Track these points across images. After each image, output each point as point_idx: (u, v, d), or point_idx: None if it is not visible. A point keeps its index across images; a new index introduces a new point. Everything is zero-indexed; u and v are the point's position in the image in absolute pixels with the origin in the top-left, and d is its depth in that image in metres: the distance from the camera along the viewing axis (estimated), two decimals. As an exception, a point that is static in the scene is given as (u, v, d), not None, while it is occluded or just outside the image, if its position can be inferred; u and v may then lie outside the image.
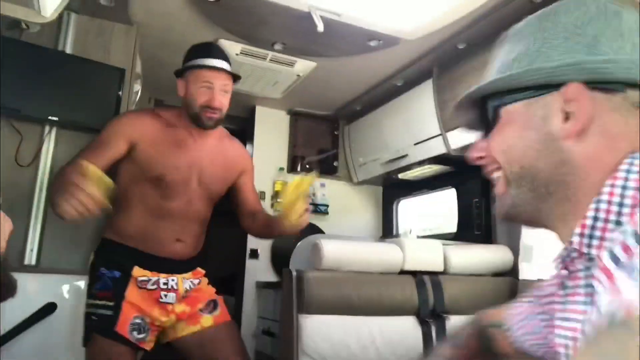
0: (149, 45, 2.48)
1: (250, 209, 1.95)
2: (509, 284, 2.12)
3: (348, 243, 1.96)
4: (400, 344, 1.85)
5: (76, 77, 1.96)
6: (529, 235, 2.10)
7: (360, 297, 1.85)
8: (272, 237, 2.04)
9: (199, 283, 1.83)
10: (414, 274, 1.99)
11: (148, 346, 1.66)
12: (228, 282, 3.11)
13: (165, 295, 1.71)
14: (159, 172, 1.68)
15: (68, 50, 2.03)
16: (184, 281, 1.78)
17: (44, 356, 1.71)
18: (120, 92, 2.04)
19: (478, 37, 2.27)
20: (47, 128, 1.91)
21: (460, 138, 2.44)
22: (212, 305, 1.83)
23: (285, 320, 1.81)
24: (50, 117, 1.89)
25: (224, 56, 1.77)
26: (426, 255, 2.04)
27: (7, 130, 1.84)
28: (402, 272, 1.98)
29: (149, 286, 1.68)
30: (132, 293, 1.64)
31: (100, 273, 1.65)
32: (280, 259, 3.08)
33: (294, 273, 1.82)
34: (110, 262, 1.66)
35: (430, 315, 1.93)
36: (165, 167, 1.69)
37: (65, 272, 1.81)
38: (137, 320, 1.63)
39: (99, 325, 1.59)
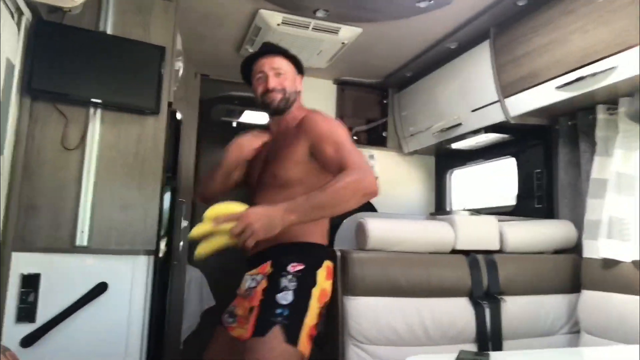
0: (190, 19, 2.44)
1: (335, 173, 1.59)
2: (571, 262, 1.97)
3: (395, 222, 1.87)
4: (451, 326, 1.77)
5: (117, 57, 1.94)
6: (595, 210, 1.92)
7: (409, 278, 1.78)
8: None
9: (261, 280, 1.64)
10: (467, 253, 1.88)
11: (235, 332, 1.66)
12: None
13: (245, 290, 1.70)
14: (251, 183, 1.83)
15: (109, 30, 2.01)
16: (247, 278, 1.70)
17: (98, 335, 1.77)
18: (161, 71, 2.01)
19: (540, -8, 2.05)
20: (91, 110, 1.92)
21: (521, 104, 2.25)
22: (247, 318, 1.63)
23: (330, 302, 1.76)
24: (93, 100, 1.89)
25: (269, 45, 1.83)
26: (480, 233, 1.92)
27: (53, 114, 1.86)
28: (454, 252, 1.88)
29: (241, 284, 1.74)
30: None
31: None
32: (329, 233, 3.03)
33: (338, 253, 1.76)
34: None
35: (484, 297, 1.83)
36: (250, 177, 1.83)
37: (116, 253, 1.85)
38: (230, 308, 1.73)
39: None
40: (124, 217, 1.88)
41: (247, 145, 1.81)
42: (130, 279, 1.83)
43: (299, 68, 1.82)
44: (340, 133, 1.68)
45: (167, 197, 2.13)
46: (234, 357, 1.65)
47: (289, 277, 1.57)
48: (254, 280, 1.67)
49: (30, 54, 1.79)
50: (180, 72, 2.41)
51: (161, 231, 1.98)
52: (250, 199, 1.84)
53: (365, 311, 1.70)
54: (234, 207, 1.44)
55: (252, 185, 1.82)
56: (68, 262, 1.78)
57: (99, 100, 1.90)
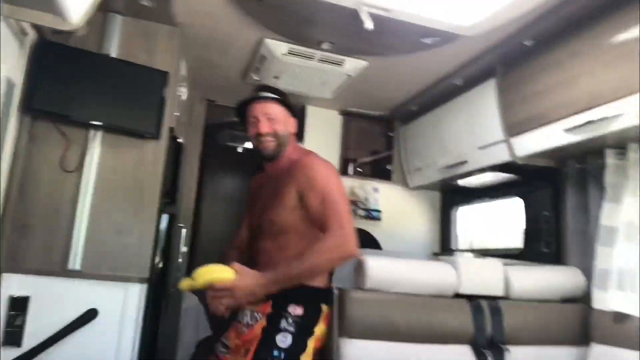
0: (195, 46, 2.43)
1: (318, 228, 1.65)
2: (580, 312, 1.88)
3: (395, 261, 1.80)
4: (451, 376, 1.68)
5: (120, 80, 1.93)
6: (605, 258, 1.85)
7: (409, 322, 1.70)
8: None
9: (258, 319, 1.64)
10: (470, 298, 1.80)
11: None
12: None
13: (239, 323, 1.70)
14: (249, 227, 1.88)
15: (113, 53, 2.00)
16: (247, 312, 1.67)
17: (88, 362, 1.70)
18: (164, 96, 1.99)
19: (547, 32, 2.02)
20: (91, 132, 1.89)
21: (527, 145, 2.21)
22: (244, 352, 1.62)
23: (325, 344, 1.68)
24: (94, 122, 1.86)
25: (269, 89, 1.86)
26: (484, 277, 1.85)
27: (53, 135, 1.84)
28: (457, 296, 1.80)
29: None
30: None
31: None
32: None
33: (336, 292, 1.69)
34: None
35: (488, 346, 1.74)
36: (250, 221, 1.87)
37: (109, 279, 1.79)
38: (223, 339, 1.73)
39: None
40: (118, 242, 1.83)
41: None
42: (121, 307, 1.77)
43: (292, 111, 1.85)
44: (329, 182, 1.68)
45: (165, 222, 2.09)
46: None
47: (289, 320, 1.61)
48: (253, 317, 1.65)
49: (33, 74, 1.77)
50: (183, 97, 2.39)
51: (156, 258, 1.93)
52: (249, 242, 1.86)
53: (362, 355, 1.62)
54: (225, 274, 1.52)
55: (251, 228, 1.86)
56: (59, 286, 1.74)
57: (99, 123, 1.88)
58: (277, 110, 1.78)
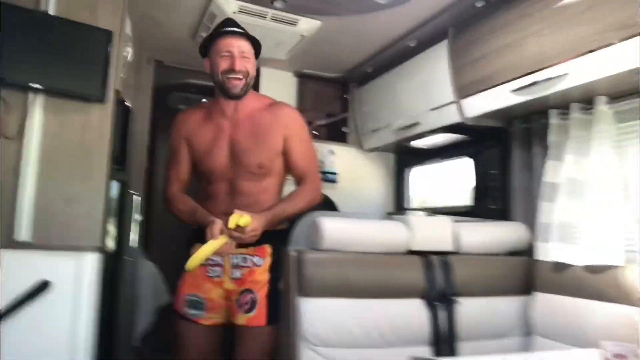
0: (141, 3, 2.31)
1: (296, 175, 1.88)
2: (524, 264, 2.00)
3: (350, 221, 1.84)
4: (406, 328, 1.76)
5: (60, 40, 1.80)
6: (547, 213, 1.95)
7: (364, 279, 1.76)
8: None
9: (254, 262, 1.76)
10: (422, 254, 1.87)
11: (206, 322, 1.76)
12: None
13: (212, 270, 1.77)
14: (208, 166, 1.81)
15: (51, 11, 1.86)
16: (234, 257, 1.76)
17: (40, 338, 1.64)
18: (108, 56, 1.89)
19: (499, -7, 2.05)
20: (31, 96, 1.78)
21: (476, 106, 2.27)
22: (250, 304, 1.73)
23: (284, 304, 1.72)
24: (33, 85, 1.75)
25: (238, 26, 1.83)
26: (435, 234, 1.92)
27: (-12, 100, 1.71)
28: (410, 253, 1.87)
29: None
30: (190, 273, 1.74)
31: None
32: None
33: (294, 253, 1.72)
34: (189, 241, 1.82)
35: (439, 298, 1.82)
36: (211, 159, 1.80)
37: (60, 249, 1.72)
38: (192, 298, 1.77)
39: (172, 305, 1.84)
40: (68, 211, 1.74)
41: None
42: (74, 277, 1.70)
43: (258, 54, 1.85)
44: (308, 135, 1.92)
45: (116, 190, 2.02)
46: (213, 346, 1.78)
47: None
48: (246, 259, 1.74)
49: (-39, 33, 1.63)
50: (129, 58, 2.28)
51: (108, 226, 1.87)
52: (206, 187, 1.85)
53: (319, 313, 1.67)
54: (247, 217, 1.60)
55: (214, 171, 1.81)
56: (6, 258, 1.63)
57: (39, 86, 1.76)
58: (250, 50, 1.78)
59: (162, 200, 1.92)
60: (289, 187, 1.93)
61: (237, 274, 1.75)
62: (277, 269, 1.77)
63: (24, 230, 1.68)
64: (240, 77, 1.73)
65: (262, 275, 1.76)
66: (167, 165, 1.92)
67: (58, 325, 1.67)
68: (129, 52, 2.25)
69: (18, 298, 1.62)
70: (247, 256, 1.76)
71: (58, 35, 1.81)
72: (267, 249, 1.77)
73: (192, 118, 1.88)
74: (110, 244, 1.87)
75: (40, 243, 1.69)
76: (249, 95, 1.82)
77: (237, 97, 1.77)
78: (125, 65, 2.21)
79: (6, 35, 1.72)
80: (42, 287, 1.66)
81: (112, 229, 1.97)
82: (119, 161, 2.00)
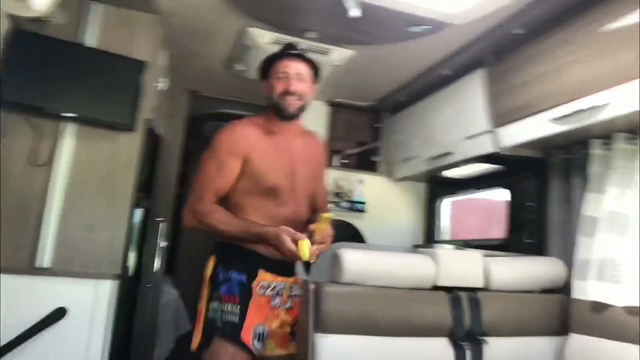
0: (177, 35, 2.38)
1: (317, 207, 1.89)
2: (560, 303, 1.86)
3: (373, 254, 1.77)
4: (429, 369, 1.66)
5: (94, 70, 1.89)
6: (586, 249, 1.82)
7: (386, 315, 1.67)
8: None
9: (298, 292, 1.75)
10: (449, 289, 1.78)
11: (265, 352, 1.67)
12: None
13: (274, 298, 1.72)
14: (272, 183, 1.73)
15: (91, 43, 1.95)
16: (292, 286, 1.76)
17: (57, 361, 1.67)
18: (140, 86, 1.95)
19: (537, 20, 1.99)
20: (62, 125, 1.85)
21: (512, 135, 2.17)
22: (289, 329, 1.75)
23: (299, 339, 1.66)
24: (66, 114, 1.82)
25: (295, 48, 1.86)
26: (463, 269, 1.81)
27: (23, 128, 1.79)
28: (435, 288, 1.77)
29: (268, 292, 1.70)
30: (255, 300, 1.67)
31: (226, 276, 1.68)
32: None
33: (312, 286, 1.66)
34: (235, 265, 1.70)
35: (466, 338, 1.71)
36: (276, 177, 1.74)
37: (79, 276, 1.75)
38: (259, 329, 1.66)
39: (225, 330, 1.62)
40: (90, 238, 1.78)
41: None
42: (91, 304, 1.73)
43: (316, 76, 1.85)
44: None
45: (140, 217, 2.05)
46: None
47: None
48: (296, 289, 1.74)
49: (4, 64, 1.72)
50: (161, 87, 2.35)
51: (130, 253, 1.89)
52: (255, 201, 1.74)
53: (337, 350, 1.59)
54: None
55: (279, 191, 1.74)
56: (26, 284, 1.68)
57: (72, 115, 1.83)
58: (308, 73, 1.78)
59: (189, 210, 1.70)
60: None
61: (290, 304, 1.75)
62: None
63: (45, 256, 1.72)
64: (297, 98, 1.73)
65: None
66: (203, 174, 1.73)
67: (73, 350, 1.68)
68: (162, 82, 2.31)
69: (35, 324, 1.64)
70: (295, 285, 1.77)
71: (93, 66, 1.90)
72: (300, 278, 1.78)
73: (249, 133, 1.75)
74: (130, 270, 1.88)
75: (60, 269, 1.72)
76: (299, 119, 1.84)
77: (292, 117, 1.76)
78: (157, 94, 2.27)
79: (45, 68, 1.81)
80: (58, 313, 1.68)
81: (133, 255, 1.99)
82: (145, 188, 2.03)
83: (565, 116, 1.87)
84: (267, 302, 1.70)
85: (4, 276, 1.67)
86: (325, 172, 1.94)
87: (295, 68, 1.74)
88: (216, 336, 1.61)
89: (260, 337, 1.65)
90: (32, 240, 1.72)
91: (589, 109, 1.77)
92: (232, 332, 1.61)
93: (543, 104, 1.99)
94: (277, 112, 1.75)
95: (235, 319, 1.62)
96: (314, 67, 1.82)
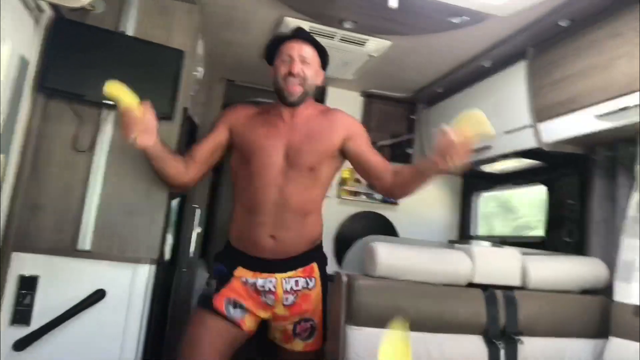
0: (214, 24, 2.39)
1: (380, 168, 1.83)
2: (600, 305, 1.81)
3: (407, 248, 1.75)
4: (462, 366, 1.64)
5: (135, 59, 1.91)
6: (630, 250, 1.75)
7: (419, 310, 1.66)
8: (422, 186, 1.78)
9: (306, 285, 1.73)
10: (484, 287, 1.75)
11: (245, 326, 1.68)
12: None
13: (265, 297, 1.71)
14: (247, 152, 1.74)
15: (130, 32, 1.98)
16: (285, 282, 1.70)
17: (92, 343, 1.72)
18: (179, 75, 1.97)
19: (584, 12, 1.91)
20: (104, 112, 1.89)
21: (555, 131, 2.10)
22: (310, 332, 1.74)
23: (331, 330, 1.67)
24: (107, 102, 1.86)
25: (302, 32, 1.83)
26: (500, 267, 1.78)
27: (66, 114, 1.84)
28: (470, 285, 1.75)
29: (252, 288, 1.71)
30: (236, 283, 1.70)
31: (216, 268, 1.77)
32: (344, 251, 2.93)
33: (344, 278, 1.66)
34: (222, 258, 1.78)
35: (500, 336, 1.69)
36: (253, 147, 1.73)
37: (118, 260, 1.80)
38: (236, 301, 1.68)
39: (201, 300, 1.72)
40: (129, 223, 1.83)
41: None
42: (129, 287, 1.78)
43: (324, 62, 1.82)
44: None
45: (176, 203, 2.09)
46: (228, 351, 1.67)
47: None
48: (298, 282, 1.70)
49: (47, 52, 1.77)
50: (199, 76, 2.37)
51: (167, 238, 1.94)
52: (250, 195, 1.76)
53: (368, 344, 1.58)
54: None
55: (265, 170, 1.72)
56: (68, 266, 1.74)
57: (112, 103, 1.87)
58: (312, 56, 1.75)
59: None
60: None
61: (291, 299, 1.71)
62: (326, 289, 1.76)
63: (87, 239, 1.77)
64: (298, 82, 1.70)
65: (317, 299, 1.74)
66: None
67: (111, 331, 1.73)
68: (200, 71, 2.34)
69: (75, 305, 1.70)
70: (299, 279, 1.72)
71: (133, 55, 1.92)
72: (315, 268, 1.74)
73: (243, 110, 1.85)
74: (167, 255, 1.92)
75: (100, 252, 1.77)
76: (308, 104, 1.81)
77: (293, 104, 1.74)
78: (196, 84, 2.29)
79: (86, 55, 1.84)
80: (98, 295, 1.73)
81: (169, 240, 2.03)
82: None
83: (611, 112, 1.79)
84: (257, 296, 1.70)
85: (48, 257, 1.73)
86: (367, 141, 1.87)
87: (299, 50, 1.72)
88: (197, 305, 1.73)
89: (238, 306, 1.68)
90: (75, 224, 1.77)
91: (636, 105, 1.69)
92: (205, 301, 1.69)
93: (588, 100, 1.91)
94: (280, 97, 1.74)
95: (212, 291, 1.70)
96: (321, 52, 1.79)
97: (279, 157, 1.72)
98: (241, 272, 1.71)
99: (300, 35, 1.78)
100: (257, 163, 1.72)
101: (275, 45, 1.79)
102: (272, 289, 1.69)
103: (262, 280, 1.69)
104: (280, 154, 1.72)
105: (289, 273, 1.71)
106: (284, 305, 1.71)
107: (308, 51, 1.74)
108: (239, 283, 1.71)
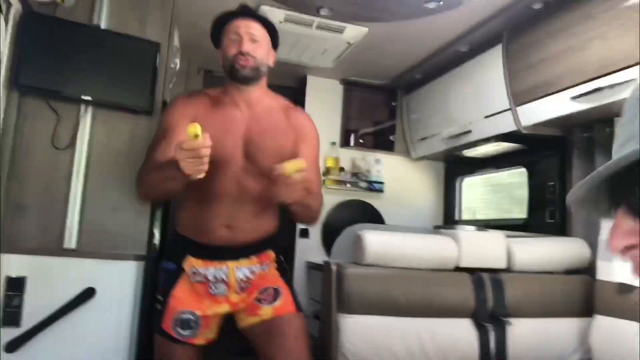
0: (190, 14, 2.35)
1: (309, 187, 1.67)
2: (584, 284, 1.85)
3: (395, 235, 1.77)
4: (452, 349, 1.67)
5: (110, 53, 1.85)
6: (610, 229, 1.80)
7: (408, 296, 1.68)
8: (304, 213, 1.65)
9: (262, 270, 1.64)
10: (471, 271, 1.77)
11: (198, 341, 1.57)
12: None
13: (215, 287, 1.59)
14: (212, 157, 1.50)
15: (103, 25, 1.92)
16: (237, 270, 1.62)
17: (84, 342, 1.69)
18: (156, 68, 1.92)
19: (558, -6, 1.93)
20: (82, 108, 1.84)
21: (533, 114, 2.14)
22: (274, 295, 1.62)
23: (323, 319, 1.67)
24: (84, 97, 1.81)
25: (248, 8, 1.70)
26: (486, 250, 1.81)
27: (43, 111, 1.78)
28: (458, 269, 1.77)
29: (197, 278, 1.59)
30: (181, 287, 1.58)
31: (161, 266, 1.64)
32: (331, 240, 2.94)
33: (334, 267, 1.67)
34: (169, 253, 1.65)
35: (489, 319, 1.72)
36: (218, 149, 1.51)
37: (106, 257, 1.76)
38: (184, 316, 1.56)
39: (155, 321, 1.59)
40: (114, 219, 1.79)
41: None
42: (118, 285, 1.75)
43: (275, 42, 1.70)
44: (318, 148, 1.74)
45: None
46: None
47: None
48: (251, 271, 1.61)
49: (18, 48, 1.70)
50: (177, 68, 2.32)
51: (154, 234, 1.91)
52: (206, 186, 1.58)
53: (360, 330, 1.60)
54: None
55: (224, 163, 1.58)
56: (55, 265, 1.70)
57: (90, 98, 1.82)
58: (262, 34, 1.63)
59: (136, 185, 1.64)
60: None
61: (244, 285, 1.62)
62: (284, 272, 1.67)
63: (73, 238, 1.74)
64: (250, 57, 1.57)
65: (274, 274, 1.65)
66: (152, 145, 1.64)
67: (102, 329, 1.71)
68: (176, 63, 2.29)
69: (65, 304, 1.67)
70: (253, 267, 1.63)
71: (109, 48, 1.86)
72: (271, 254, 1.65)
73: (199, 101, 1.66)
74: (154, 251, 1.89)
75: (87, 251, 1.74)
76: (263, 90, 1.68)
77: (245, 79, 1.59)
78: (173, 75, 2.25)
79: (60, 50, 1.79)
80: (87, 293, 1.70)
81: (157, 235, 1.99)
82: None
83: (586, 94, 1.83)
84: (204, 289, 1.59)
85: (34, 258, 1.69)
86: (312, 147, 1.68)
87: (247, 28, 1.60)
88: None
89: (186, 325, 1.55)
90: (60, 223, 1.73)
91: (611, 86, 1.73)
92: (157, 323, 1.57)
93: (564, 82, 1.95)
94: (231, 76, 1.60)
95: (162, 308, 1.57)
96: (271, 31, 1.67)
97: (238, 152, 1.61)
98: (191, 262, 1.59)
99: (247, 12, 1.66)
100: (214, 158, 1.50)
101: (221, 25, 1.68)
102: (224, 278, 1.60)
103: (213, 269, 1.59)
104: (239, 149, 1.61)
105: (242, 261, 1.62)
106: (237, 292, 1.62)
107: (257, 28, 1.62)
108: (187, 283, 1.59)
